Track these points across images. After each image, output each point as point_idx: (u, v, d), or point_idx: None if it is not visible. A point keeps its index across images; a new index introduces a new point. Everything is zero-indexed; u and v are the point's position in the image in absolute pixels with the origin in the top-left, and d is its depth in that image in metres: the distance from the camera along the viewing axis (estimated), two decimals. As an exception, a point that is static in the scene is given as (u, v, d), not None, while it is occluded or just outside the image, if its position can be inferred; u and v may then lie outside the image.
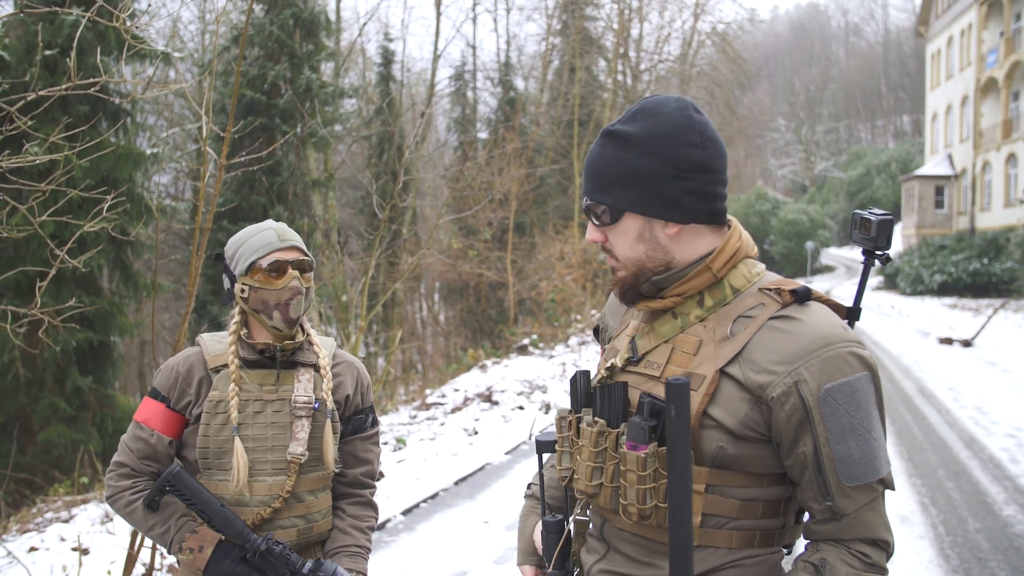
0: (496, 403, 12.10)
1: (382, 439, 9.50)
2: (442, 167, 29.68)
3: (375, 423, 2.53)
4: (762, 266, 1.68)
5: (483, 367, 16.02)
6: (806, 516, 1.68)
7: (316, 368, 2.38)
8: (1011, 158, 35.09)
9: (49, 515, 7.97)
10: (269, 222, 2.37)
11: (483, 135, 31.17)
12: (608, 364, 1.70)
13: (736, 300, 1.61)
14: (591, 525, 1.77)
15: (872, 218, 1.66)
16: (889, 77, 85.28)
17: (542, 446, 1.87)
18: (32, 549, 5.99)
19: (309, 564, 2.23)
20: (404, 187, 19.82)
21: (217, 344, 2.36)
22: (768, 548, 1.60)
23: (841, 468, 1.49)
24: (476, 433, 10.17)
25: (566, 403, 12.23)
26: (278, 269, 2.26)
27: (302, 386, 2.32)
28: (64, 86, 3.83)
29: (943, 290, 33.22)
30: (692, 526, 1.36)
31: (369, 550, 2.44)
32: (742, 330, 1.57)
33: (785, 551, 1.66)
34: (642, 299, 1.68)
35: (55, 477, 11.27)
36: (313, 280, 2.38)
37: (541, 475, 1.90)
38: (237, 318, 2.36)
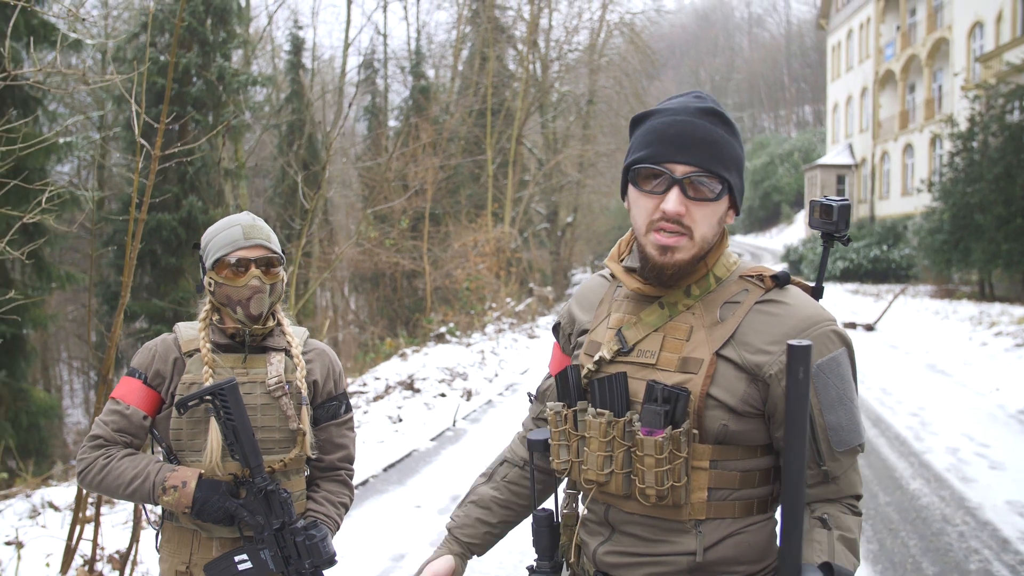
0: (418, 391, 12.17)
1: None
2: (352, 156, 29.37)
3: (349, 409, 2.59)
4: (736, 255, 1.79)
5: (403, 355, 16.04)
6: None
7: (288, 354, 2.46)
8: (908, 148, 36.47)
9: (-33, 513, 7.76)
10: (240, 217, 2.42)
11: (394, 123, 30.97)
12: (597, 357, 1.76)
13: (720, 288, 1.72)
14: (585, 510, 1.82)
15: (833, 204, 1.78)
16: (791, 68, 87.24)
17: (534, 445, 1.86)
18: (-44, 546, 5.87)
19: (303, 521, 2.32)
20: (319, 176, 19.62)
21: (190, 330, 2.43)
22: (764, 515, 1.73)
23: (832, 435, 1.66)
24: (400, 420, 10.23)
25: (486, 391, 12.39)
26: (240, 267, 2.33)
27: (273, 368, 2.39)
28: None
29: (845, 276, 34.40)
30: (805, 489, 1.42)
31: (338, 524, 2.50)
32: (731, 315, 1.68)
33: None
34: (647, 283, 1.73)
35: (-32, 474, 10.92)
36: (284, 272, 2.45)
37: (532, 472, 1.94)
38: (208, 306, 2.43)
